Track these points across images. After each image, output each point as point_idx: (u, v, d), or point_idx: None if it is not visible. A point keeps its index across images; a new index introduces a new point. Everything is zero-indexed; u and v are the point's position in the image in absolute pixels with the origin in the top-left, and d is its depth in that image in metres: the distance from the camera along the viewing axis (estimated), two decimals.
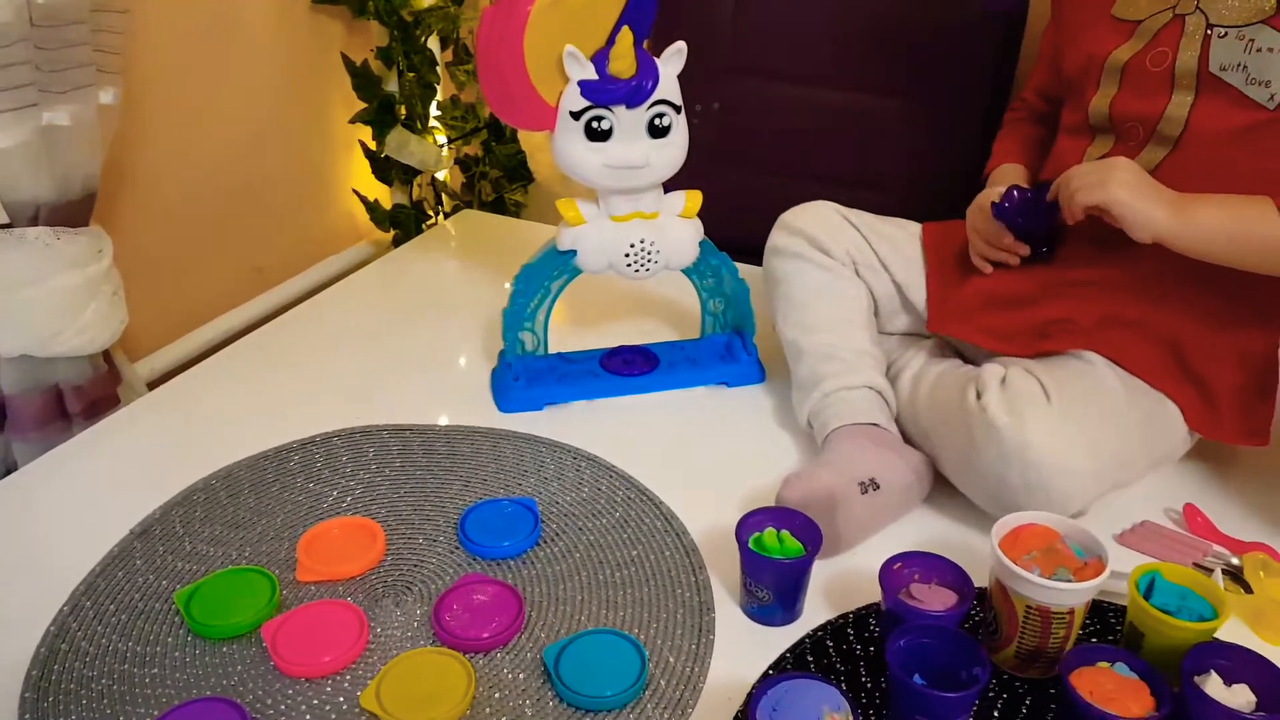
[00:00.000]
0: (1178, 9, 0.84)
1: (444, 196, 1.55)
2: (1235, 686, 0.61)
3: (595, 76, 0.85)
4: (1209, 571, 0.77)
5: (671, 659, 0.70)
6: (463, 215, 1.51)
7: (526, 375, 1.00)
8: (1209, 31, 0.81)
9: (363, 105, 1.41)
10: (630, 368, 1.03)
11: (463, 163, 1.58)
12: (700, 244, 0.98)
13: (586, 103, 0.86)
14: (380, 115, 1.39)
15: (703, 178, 1.36)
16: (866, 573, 0.71)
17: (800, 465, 0.91)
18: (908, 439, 0.89)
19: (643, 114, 0.87)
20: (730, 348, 1.06)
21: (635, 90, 0.85)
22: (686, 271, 1.02)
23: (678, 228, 0.95)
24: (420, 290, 1.29)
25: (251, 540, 0.81)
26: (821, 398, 0.90)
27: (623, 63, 0.84)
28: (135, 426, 0.98)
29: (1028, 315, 0.88)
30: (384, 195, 1.51)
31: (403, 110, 1.42)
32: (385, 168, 1.45)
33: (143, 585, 0.77)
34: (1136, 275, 0.85)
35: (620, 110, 0.86)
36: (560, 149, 0.89)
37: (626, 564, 0.79)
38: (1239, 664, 0.62)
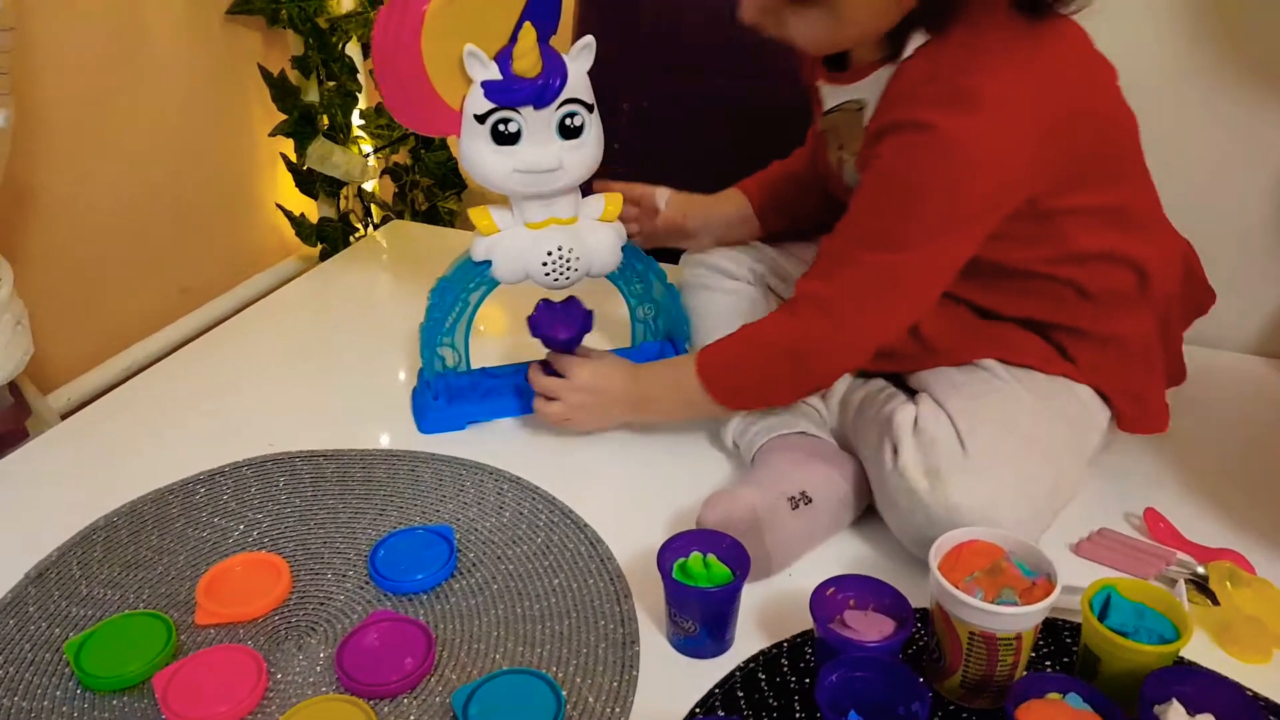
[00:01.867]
0: None
1: (374, 208, 1.50)
2: (1199, 717, 0.56)
3: (499, 77, 0.81)
4: (1172, 583, 0.73)
5: (591, 699, 0.66)
6: (392, 226, 1.46)
7: (447, 393, 0.96)
8: None
9: (284, 117, 1.35)
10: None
11: (393, 172, 1.53)
12: (624, 248, 0.94)
13: (491, 104, 0.81)
14: (300, 127, 1.34)
15: (629, 176, 1.32)
16: (802, 595, 0.67)
17: (733, 479, 0.87)
18: (844, 446, 0.85)
19: (552, 114, 0.83)
20: (664, 354, 1.02)
21: (542, 89, 0.81)
22: (612, 278, 0.97)
23: (598, 233, 0.91)
24: (345, 306, 1.24)
25: (151, 581, 0.76)
26: (743, 416, 0.87)
27: (526, 61, 0.80)
28: (37, 462, 0.92)
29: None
30: (311, 209, 1.46)
31: (325, 120, 1.37)
32: (310, 181, 1.40)
33: (34, 635, 0.72)
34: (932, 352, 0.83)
35: (528, 111, 0.82)
36: (467, 154, 0.84)
37: (547, 594, 0.74)
38: (1204, 690, 0.58)
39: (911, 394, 0.83)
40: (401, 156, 1.53)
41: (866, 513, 0.81)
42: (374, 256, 1.38)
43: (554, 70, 0.81)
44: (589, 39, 0.82)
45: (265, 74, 1.32)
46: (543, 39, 0.82)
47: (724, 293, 0.98)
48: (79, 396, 1.14)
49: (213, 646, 0.69)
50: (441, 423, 0.95)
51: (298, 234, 1.41)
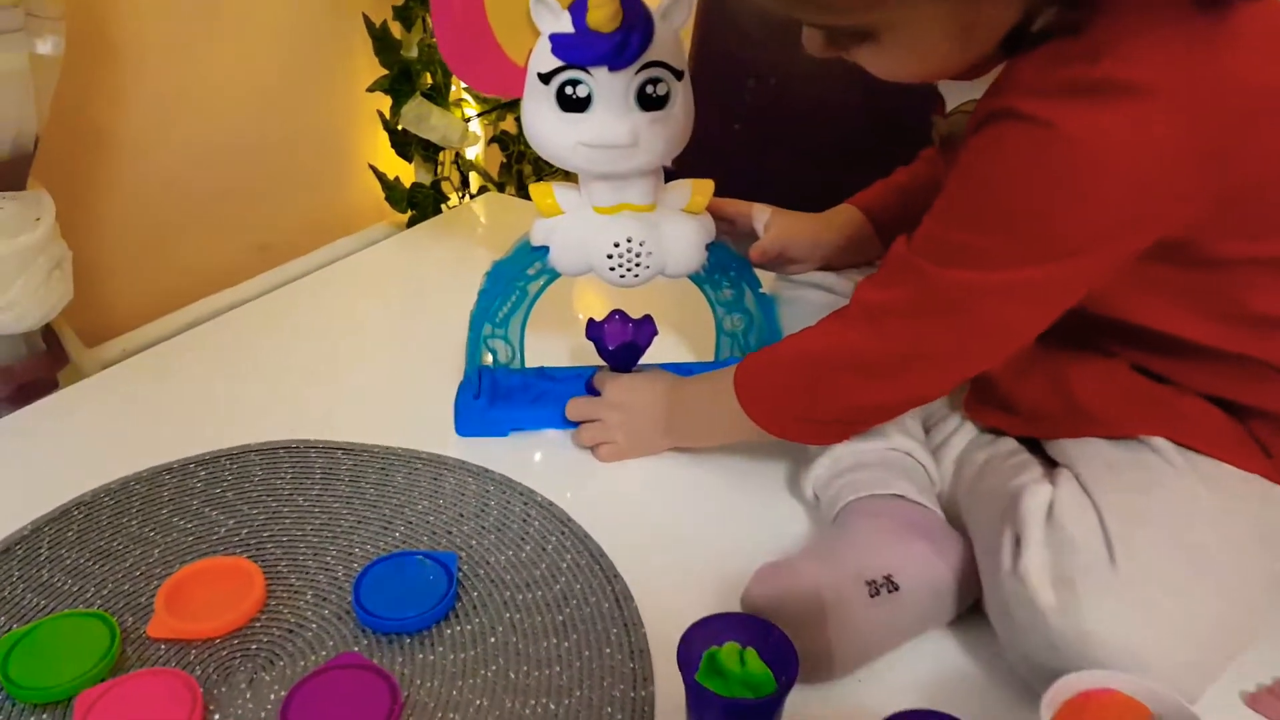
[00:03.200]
0: None
1: (474, 176, 1.40)
2: None
3: (570, 30, 0.67)
4: None
5: None
6: (488, 198, 1.35)
7: (492, 393, 0.83)
8: None
9: (386, 73, 1.26)
10: None
11: (500, 140, 1.43)
12: (713, 246, 0.79)
13: (558, 62, 0.68)
14: (398, 84, 1.25)
15: (747, 164, 1.17)
16: (871, 713, 0.51)
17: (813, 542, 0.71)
18: (954, 523, 0.68)
19: (631, 79, 0.68)
20: None
21: (619, 47, 0.67)
22: (697, 280, 0.83)
23: (679, 225, 0.76)
24: (419, 280, 1.14)
25: (115, 576, 0.67)
26: (831, 464, 0.70)
27: (603, 11, 0.66)
28: (50, 419, 0.86)
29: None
30: (407, 173, 1.37)
31: (426, 79, 1.27)
32: (405, 143, 1.31)
33: None
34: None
35: (601, 73, 0.68)
36: (528, 120, 0.71)
37: (551, 661, 0.61)
38: None
39: (1050, 466, 0.65)
40: (510, 124, 1.42)
41: (971, 610, 0.64)
42: (463, 229, 1.28)
43: (636, 25, 0.67)
44: None
45: (369, 24, 1.23)
46: None
47: (822, 309, 0.81)
48: (134, 348, 1.08)
49: (152, 669, 0.59)
50: (480, 425, 0.82)
51: (387, 198, 1.32)
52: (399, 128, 1.28)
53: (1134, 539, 0.55)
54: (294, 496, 0.74)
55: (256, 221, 1.26)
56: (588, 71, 0.68)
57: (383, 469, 0.78)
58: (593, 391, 0.82)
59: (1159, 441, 0.62)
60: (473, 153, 1.40)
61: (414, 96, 1.25)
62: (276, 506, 0.73)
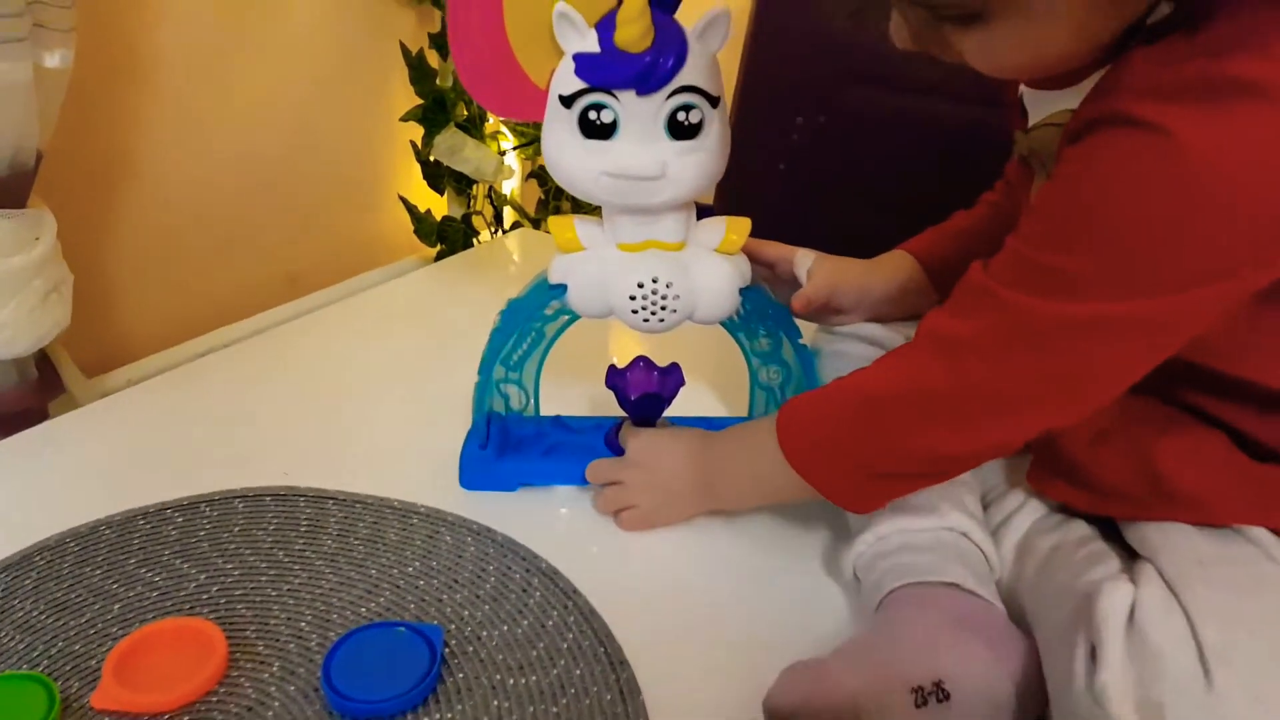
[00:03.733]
0: None
1: (508, 211, 1.34)
2: None
3: (596, 49, 0.61)
4: None
5: None
6: (521, 234, 1.30)
7: (500, 443, 0.76)
8: None
9: (420, 101, 1.22)
10: None
11: (539, 175, 1.37)
12: (749, 291, 0.71)
13: (581, 84, 0.61)
14: (432, 113, 1.20)
15: (795, 207, 1.10)
16: None
17: (854, 633, 0.62)
18: (1015, 618, 0.58)
19: (661, 105, 0.61)
20: None
21: (648, 69, 0.60)
22: (730, 328, 0.75)
23: (710, 266, 0.69)
24: (440, 319, 1.07)
25: (68, 633, 0.60)
26: (876, 542, 0.62)
27: (632, 30, 0.59)
28: (32, 453, 0.80)
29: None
30: (440, 206, 1.32)
31: (462, 110, 1.23)
32: (438, 174, 1.26)
33: None
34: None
35: (628, 97, 0.61)
36: (548, 147, 0.65)
37: None
38: None
39: (1130, 557, 0.55)
40: None
41: None
42: (494, 265, 1.22)
43: (668, 46, 0.60)
44: (720, 9, 0.61)
45: (405, 52, 1.19)
46: (659, 5, 0.61)
47: (875, 346, 0.74)
48: (140, 377, 1.03)
49: None
50: (486, 479, 0.75)
51: (416, 230, 1.27)
52: (431, 159, 1.23)
53: (1234, 653, 0.46)
54: (274, 550, 0.68)
55: (282, 250, 1.22)
56: (614, 95, 0.61)
57: (375, 523, 0.71)
58: (614, 448, 0.75)
59: (1259, 533, 0.53)
60: (508, 187, 1.35)
61: (448, 127, 1.21)
62: (254, 561, 0.67)
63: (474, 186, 1.29)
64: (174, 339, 1.11)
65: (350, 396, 0.89)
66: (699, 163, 0.64)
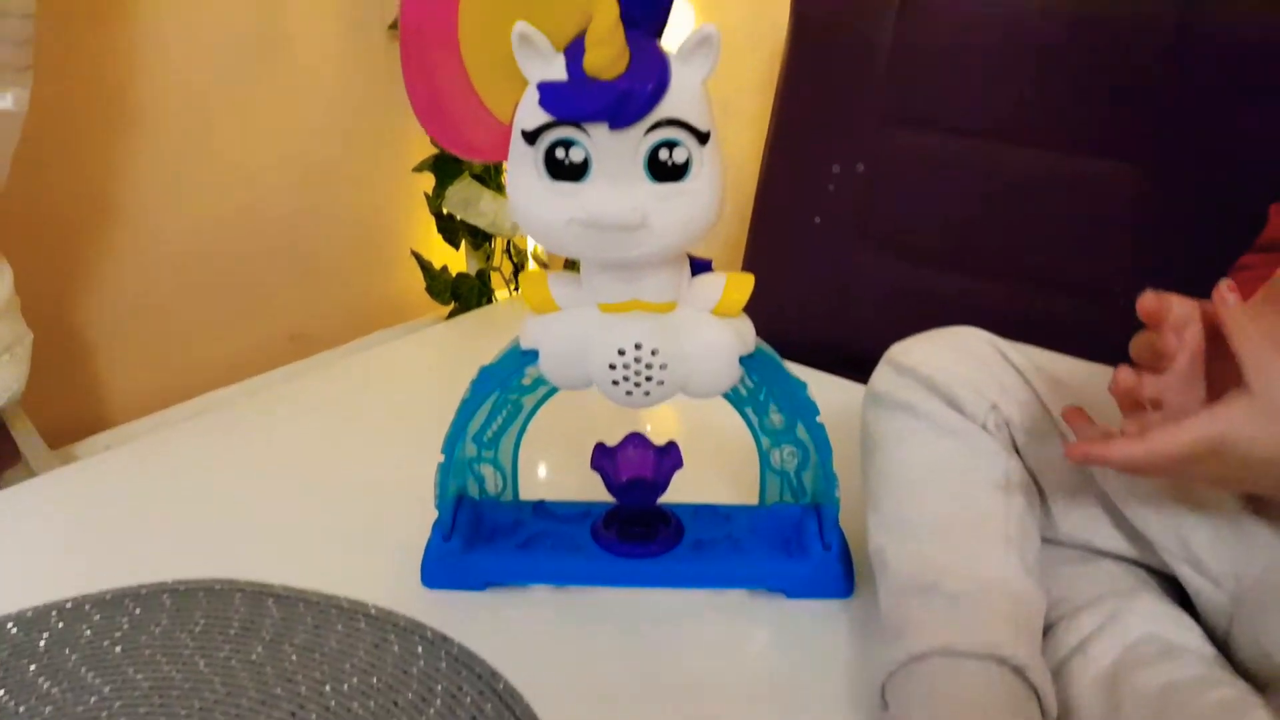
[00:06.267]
0: None
1: (528, 266, 1.26)
2: None
3: (563, 77, 0.52)
4: None
5: None
6: None
7: (469, 533, 0.66)
8: None
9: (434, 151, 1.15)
10: (633, 540, 0.66)
11: None
12: (755, 359, 0.61)
13: (546, 117, 0.52)
14: (444, 163, 1.13)
15: (832, 264, 0.99)
16: None
17: None
18: None
19: (639, 141, 0.52)
20: (801, 530, 0.67)
21: (622, 99, 0.51)
22: (735, 401, 0.65)
23: (705, 331, 0.58)
24: (439, 384, 0.98)
25: None
26: (907, 661, 0.49)
27: (602, 53, 0.50)
28: None
29: None
30: (456, 261, 1.25)
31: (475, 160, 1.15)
32: (452, 228, 1.19)
33: None
34: None
35: (600, 132, 0.52)
36: (512, 190, 0.55)
37: None
38: None
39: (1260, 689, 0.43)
40: None
41: None
42: (507, 325, 1.13)
43: (646, 72, 0.51)
44: (709, 28, 0.51)
45: None
46: (638, 27, 0.52)
47: (938, 430, 0.57)
48: (117, 443, 0.96)
49: None
50: (449, 575, 0.65)
51: (428, 288, 1.19)
52: (445, 211, 1.16)
53: None
54: (195, 657, 0.58)
55: (282, 308, 1.15)
56: (583, 129, 0.52)
57: (316, 626, 0.61)
58: (603, 540, 0.64)
59: None
60: (531, 241, 1.27)
61: (462, 177, 1.13)
62: (169, 671, 0.57)
63: (491, 240, 1.21)
64: (164, 401, 1.04)
65: (324, 471, 0.81)
66: (684, 209, 0.53)
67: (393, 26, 1.14)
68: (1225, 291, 0.44)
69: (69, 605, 0.62)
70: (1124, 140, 0.86)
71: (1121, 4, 0.86)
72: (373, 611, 0.62)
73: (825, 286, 1.00)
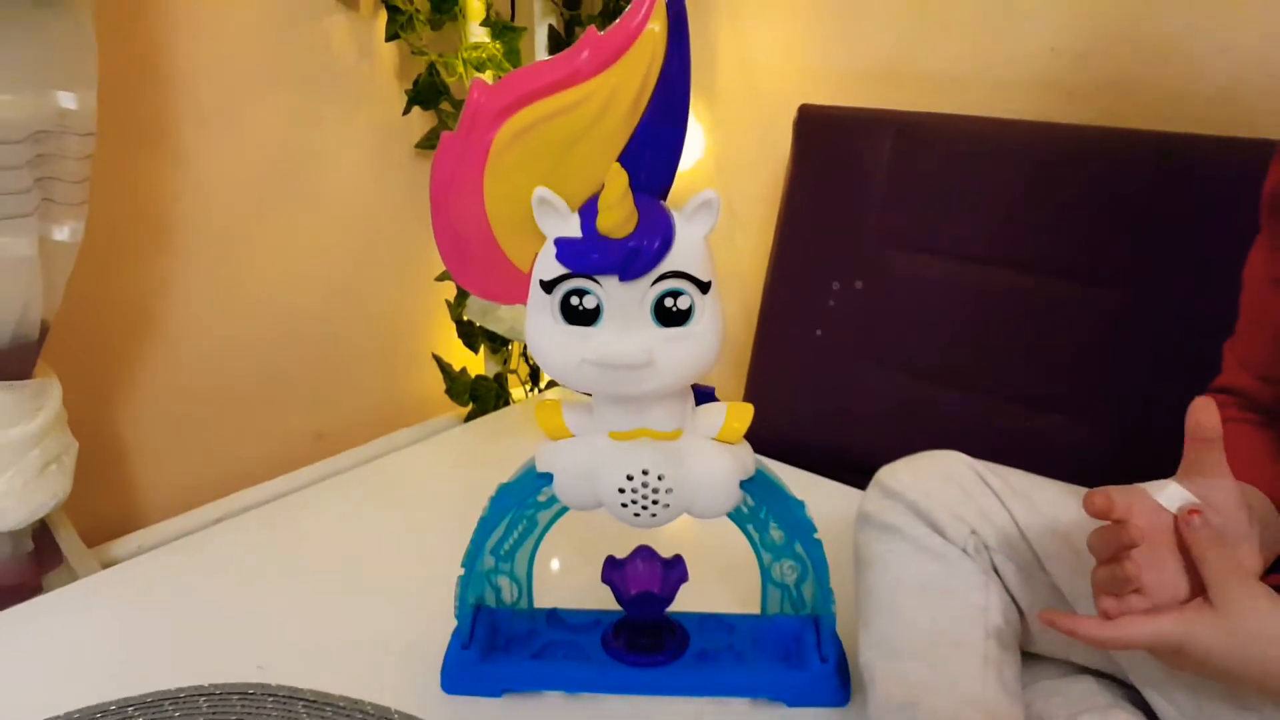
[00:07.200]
0: None
1: (544, 373, 1.32)
2: None
3: (578, 234, 0.58)
4: None
5: None
6: (560, 393, 1.27)
7: (487, 641, 0.70)
8: None
9: None
10: (641, 650, 0.70)
11: None
12: (755, 483, 0.65)
13: (562, 269, 0.58)
14: None
15: (831, 377, 1.04)
16: None
17: None
18: None
19: (646, 290, 0.58)
20: (801, 641, 0.71)
21: (631, 256, 0.57)
22: (738, 520, 0.69)
23: (708, 458, 0.63)
24: (461, 484, 1.04)
25: None
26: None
27: (614, 215, 0.56)
28: (6, 636, 0.77)
29: None
30: (475, 364, 1.31)
31: None
32: (471, 333, 1.25)
33: None
34: None
35: (611, 283, 0.58)
36: (530, 333, 0.61)
37: None
38: None
39: None
40: None
41: None
42: (522, 429, 1.19)
43: (653, 231, 0.57)
44: (710, 194, 0.58)
45: None
46: (645, 189, 0.58)
47: (922, 552, 0.61)
48: (150, 544, 1.01)
49: None
50: (468, 682, 0.69)
51: (448, 389, 1.25)
52: (463, 318, 1.23)
53: None
54: None
55: (310, 409, 1.21)
56: (596, 280, 0.58)
57: None
58: (612, 649, 0.68)
59: None
60: None
61: None
62: None
63: (509, 344, 1.27)
64: (194, 501, 1.09)
65: (350, 576, 0.85)
66: (688, 350, 0.59)
67: (418, 145, 1.22)
68: (1189, 517, 0.48)
69: (113, 707, 0.66)
70: (1108, 265, 0.91)
71: (1107, 137, 0.92)
72: (395, 717, 0.66)
73: (827, 396, 1.05)
